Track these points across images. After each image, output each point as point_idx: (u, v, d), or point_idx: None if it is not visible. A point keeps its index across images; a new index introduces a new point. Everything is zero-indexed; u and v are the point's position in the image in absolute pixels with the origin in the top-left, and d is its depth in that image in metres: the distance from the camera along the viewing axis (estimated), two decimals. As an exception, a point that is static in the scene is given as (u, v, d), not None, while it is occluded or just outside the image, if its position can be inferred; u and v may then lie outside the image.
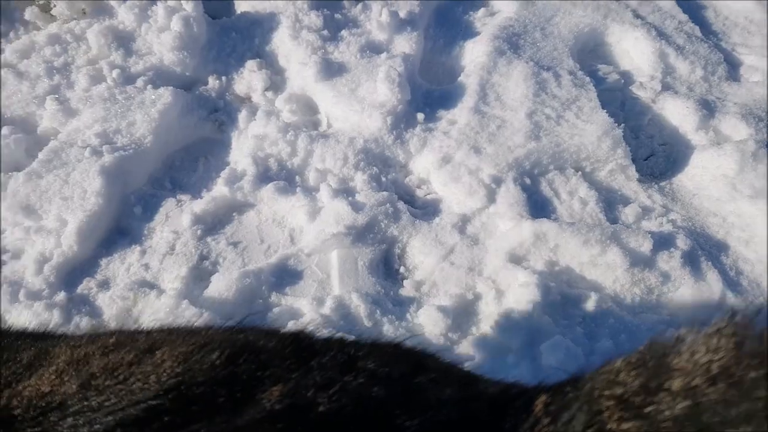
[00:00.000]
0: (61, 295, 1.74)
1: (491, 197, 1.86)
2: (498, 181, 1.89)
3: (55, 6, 2.44)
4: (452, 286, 1.69)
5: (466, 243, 1.77)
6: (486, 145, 1.97)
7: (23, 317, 1.68)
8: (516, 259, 1.71)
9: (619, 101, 2.34)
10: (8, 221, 1.92)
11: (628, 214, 1.95)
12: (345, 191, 1.91)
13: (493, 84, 2.18)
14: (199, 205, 1.95)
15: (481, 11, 2.63)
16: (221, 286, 1.72)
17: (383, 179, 1.97)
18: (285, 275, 1.77)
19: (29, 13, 2.44)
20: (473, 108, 2.09)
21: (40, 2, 2.46)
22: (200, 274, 1.81)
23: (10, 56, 2.35)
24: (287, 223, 1.91)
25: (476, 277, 1.70)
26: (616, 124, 2.07)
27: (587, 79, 2.25)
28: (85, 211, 1.88)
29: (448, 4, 2.69)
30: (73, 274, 1.81)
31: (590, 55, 2.46)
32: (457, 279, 1.70)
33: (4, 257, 1.85)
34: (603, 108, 2.13)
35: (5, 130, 2.11)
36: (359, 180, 1.95)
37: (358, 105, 2.12)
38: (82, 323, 1.67)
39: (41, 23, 2.46)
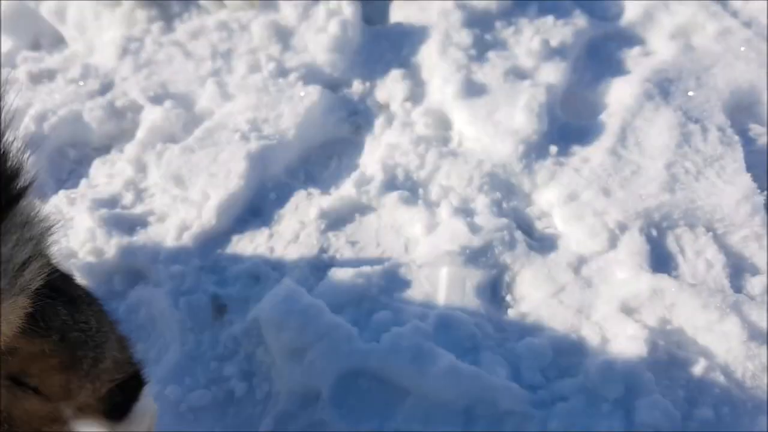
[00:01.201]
0: (194, 261, 1.92)
1: (613, 243, 1.83)
2: (623, 227, 1.86)
3: (228, -3, 2.67)
4: (557, 324, 1.69)
5: (579, 284, 1.76)
6: (617, 189, 1.94)
7: (161, 276, 1.88)
8: (628, 310, 1.68)
9: (766, 166, 2.20)
10: (159, 187, 2.15)
11: (754, 285, 1.85)
12: (465, 211, 1.96)
13: (634, 128, 2.13)
14: (326, 201, 2.07)
15: (636, 50, 2.56)
16: (336, 280, 1.82)
17: (504, 205, 2.00)
18: (394, 282, 1.84)
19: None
20: (610, 149, 2.05)
21: (216, -9, 2.69)
22: (318, 265, 1.93)
23: (181, 36, 2.60)
24: (404, 232, 1.98)
25: (584, 320, 1.68)
26: (759, 191, 1.97)
27: (736, 137, 2.14)
28: (227, 190, 2.06)
29: (602, 38, 2.65)
30: (207, 245, 2.00)
31: (744, 112, 2.33)
32: (563, 318, 1.69)
33: (150, 219, 2.08)
34: (748, 171, 2.02)
35: (168, 103, 2.35)
36: (480, 202, 1.98)
37: (493, 128, 2.15)
38: (210, 290, 1.84)
39: (213, 9, 2.69)
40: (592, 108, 2.35)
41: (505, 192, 2.04)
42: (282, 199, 2.13)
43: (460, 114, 2.27)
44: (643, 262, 1.77)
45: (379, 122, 2.34)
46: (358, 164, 2.26)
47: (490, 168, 2.07)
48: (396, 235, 1.97)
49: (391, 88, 2.44)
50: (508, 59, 2.45)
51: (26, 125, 2.25)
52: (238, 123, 2.26)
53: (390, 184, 2.08)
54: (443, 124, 2.33)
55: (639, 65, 2.49)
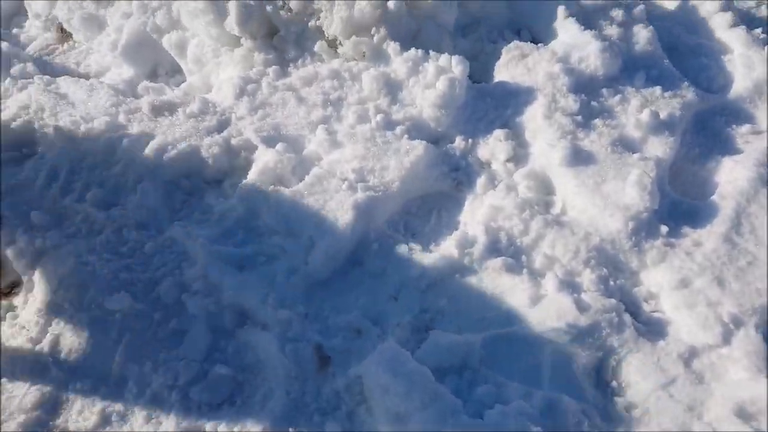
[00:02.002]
0: (300, 308, 1.98)
1: (727, 338, 1.78)
2: (738, 322, 1.80)
3: (341, 45, 2.76)
4: (666, 420, 1.65)
5: (690, 378, 1.72)
6: (732, 279, 1.89)
7: (269, 319, 1.95)
8: (744, 416, 1.62)
9: None
10: (268, 228, 2.23)
11: None
12: (571, 286, 1.94)
13: (749, 214, 2.08)
14: (428, 259, 2.10)
15: (746, 127, 2.51)
16: (437, 344, 1.84)
17: (611, 283, 1.97)
18: (496, 353, 1.84)
19: (319, 46, 2.78)
20: (723, 235, 2.01)
21: (330, 38, 2.79)
22: (418, 325, 1.95)
23: (295, 80, 2.71)
24: (507, 299, 1.98)
25: (695, 420, 1.64)
26: None
27: None
28: (333, 238, 2.12)
29: (709, 111, 2.61)
30: (311, 291, 2.06)
31: None
32: (673, 414, 1.65)
33: (260, 259, 2.15)
34: None
35: (279, 146, 2.44)
36: (587, 278, 1.97)
37: (601, 201, 2.14)
38: (314, 339, 1.89)
39: (327, 57, 2.79)
40: (702, 186, 2.31)
41: (613, 269, 2.02)
42: (384, 251, 2.18)
43: (565, 181, 2.26)
44: (761, 363, 1.71)
45: (480, 181, 2.37)
46: (459, 221, 2.28)
47: (598, 242, 2.05)
48: (498, 303, 1.98)
49: (493, 146, 2.46)
50: (615, 128, 2.44)
51: (147, 155, 2.39)
52: (346, 171, 2.33)
53: (493, 248, 2.09)
54: (546, 188, 2.33)
55: (750, 143, 2.44)
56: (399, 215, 2.34)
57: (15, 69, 2.94)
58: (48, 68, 3.07)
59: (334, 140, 2.45)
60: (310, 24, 2.80)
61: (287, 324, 1.92)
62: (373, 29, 2.72)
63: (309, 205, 2.22)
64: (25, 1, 3.42)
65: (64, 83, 2.79)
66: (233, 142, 2.49)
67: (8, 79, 2.85)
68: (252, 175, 2.37)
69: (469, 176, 2.42)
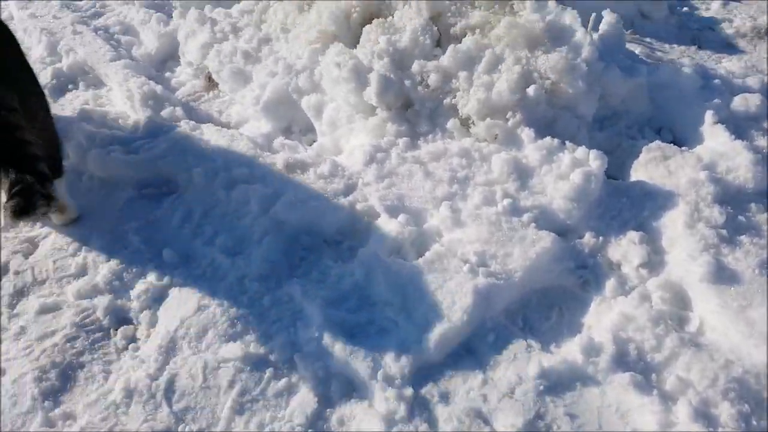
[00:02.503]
0: (408, 390, 1.92)
1: None
2: None
3: (474, 125, 2.77)
4: None
5: None
6: None
7: (376, 397, 1.89)
8: None
9: None
10: (383, 299, 2.19)
11: None
12: (707, 418, 1.77)
13: None
14: (547, 360, 1.99)
15: None
16: (552, 457, 1.72)
17: (753, 423, 1.78)
18: (618, 479, 1.69)
19: (451, 123, 2.81)
20: None
21: (463, 117, 2.81)
22: (531, 430, 1.83)
23: (424, 154, 2.73)
24: (631, 420, 1.83)
25: None
26: None
27: None
28: (449, 321, 2.06)
29: None
30: (421, 373, 1.99)
31: None
32: None
33: (371, 330, 2.12)
34: None
35: (402, 217, 2.45)
36: (726, 411, 1.79)
37: (746, 327, 1.96)
38: (420, 428, 1.82)
39: (458, 135, 2.80)
40: None
41: (755, 406, 1.83)
42: (500, 343, 2.09)
43: (705, 299, 2.10)
44: None
45: (610, 283, 2.25)
46: (583, 324, 2.16)
47: (741, 373, 1.87)
48: (622, 422, 1.83)
49: (626, 249, 2.35)
50: (764, 249, 2.26)
51: (276, 210, 2.46)
52: (467, 253, 2.28)
53: (620, 361, 1.95)
54: (682, 302, 2.17)
55: None
56: (517, 307, 2.25)
57: (165, 111, 3.15)
58: (193, 114, 3.27)
59: (457, 219, 2.42)
60: (445, 101, 2.84)
61: (395, 406, 1.85)
62: (509, 113, 2.72)
63: (427, 282, 2.18)
64: (180, 49, 3.70)
65: (207, 130, 2.96)
66: (358, 206, 2.52)
67: (158, 120, 3.06)
68: (372, 242, 2.37)
69: (596, 276, 2.30)
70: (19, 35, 3.61)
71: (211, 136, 2.92)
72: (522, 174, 2.58)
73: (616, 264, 2.34)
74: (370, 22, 3.13)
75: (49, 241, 2.36)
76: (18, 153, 1.93)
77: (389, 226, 2.41)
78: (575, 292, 2.29)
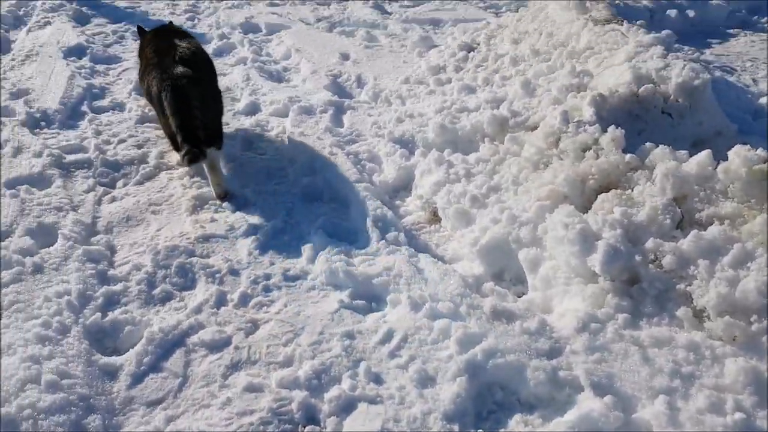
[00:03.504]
0: None
1: None
2: None
3: (709, 320, 2.51)
4: None
5: None
6: None
7: None
8: None
9: None
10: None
11: None
12: None
13: None
14: None
15: None
16: None
17: None
18: None
19: (682, 312, 2.56)
20: None
21: (697, 308, 2.57)
22: None
23: (644, 337, 2.50)
24: None
25: None
26: None
27: None
28: None
29: None
30: None
31: None
32: None
33: None
34: None
35: (608, 398, 2.23)
36: None
37: None
38: None
39: (687, 326, 2.54)
40: None
41: None
42: None
43: None
44: None
45: None
46: None
47: None
48: None
49: None
50: None
51: (475, 353, 2.41)
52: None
53: None
54: None
55: None
56: None
57: (390, 234, 3.36)
58: (413, 242, 3.44)
59: (674, 419, 2.15)
60: (678, 286, 2.64)
61: None
62: (754, 316, 2.43)
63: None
64: (414, 182, 4.00)
65: (423, 260, 3.09)
66: (560, 373, 2.38)
67: (383, 241, 3.28)
68: (569, 416, 2.20)
69: None
70: (287, 149, 4.22)
71: (426, 266, 3.04)
72: (760, 388, 2.24)
73: None
74: (606, 191, 3.11)
75: (268, 327, 2.57)
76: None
77: (593, 404, 2.22)
78: None
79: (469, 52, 5.67)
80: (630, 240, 2.79)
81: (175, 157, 3.99)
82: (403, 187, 4.08)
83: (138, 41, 4.36)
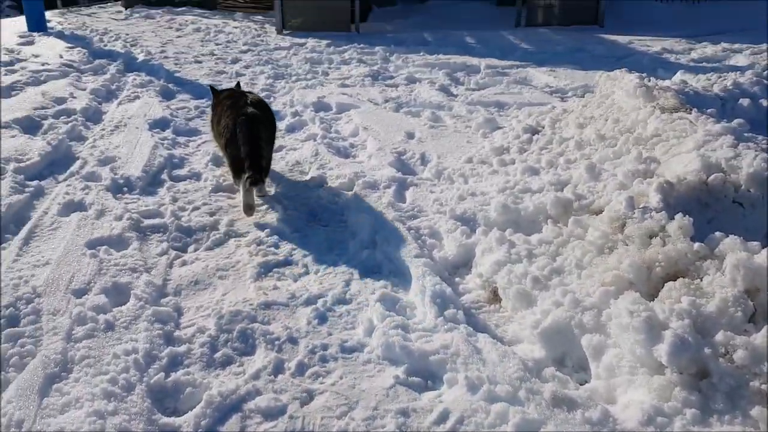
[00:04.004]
0: None
1: None
2: None
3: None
4: None
5: None
6: None
7: None
8: None
9: None
10: None
11: None
12: None
13: None
14: None
15: None
16: None
17: None
18: None
19: (757, 412, 2.41)
20: None
21: (772, 408, 2.42)
22: None
23: (714, 436, 2.38)
24: None
25: None
26: None
27: None
28: None
29: None
30: None
31: None
32: None
33: None
34: None
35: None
36: None
37: None
38: None
39: (763, 426, 2.40)
40: None
41: None
42: None
43: None
44: None
45: None
46: None
47: None
48: None
49: None
50: None
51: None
52: None
53: None
54: None
55: None
56: None
57: (449, 312, 3.35)
58: (472, 321, 3.41)
59: None
60: (751, 384, 2.50)
61: None
62: (838, 422, 2.27)
63: None
64: (475, 260, 4.00)
65: (482, 340, 3.05)
66: (624, 470, 2.26)
67: (441, 318, 3.27)
68: None
69: None
70: (350, 221, 4.34)
71: (484, 346, 3.00)
72: None
73: None
74: (673, 280, 3.03)
75: (323, 398, 2.59)
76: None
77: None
78: None
79: (533, 135, 5.76)
80: (699, 331, 2.69)
81: (243, 222, 4.19)
82: (463, 264, 4.09)
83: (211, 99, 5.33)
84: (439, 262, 4.00)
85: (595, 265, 3.40)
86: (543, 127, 5.84)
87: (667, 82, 5.90)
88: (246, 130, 4.25)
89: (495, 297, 3.69)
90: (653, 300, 2.95)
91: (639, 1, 14.39)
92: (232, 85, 5.70)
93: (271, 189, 4.87)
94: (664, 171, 3.94)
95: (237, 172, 4.37)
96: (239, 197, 4.43)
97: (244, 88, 7.91)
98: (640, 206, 3.50)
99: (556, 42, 11.31)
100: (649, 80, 5.71)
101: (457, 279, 3.94)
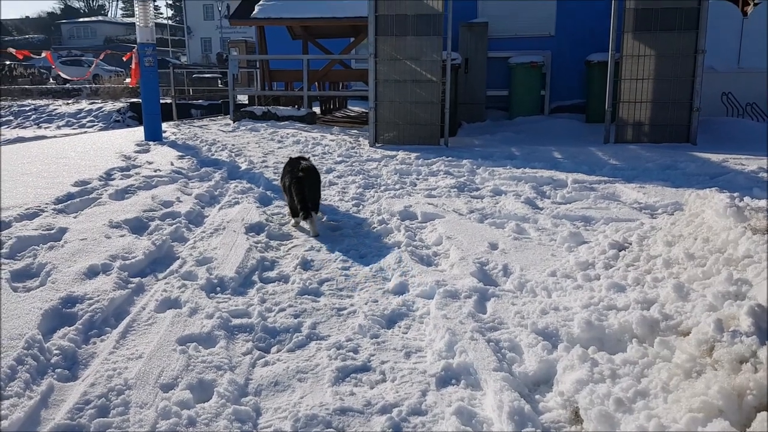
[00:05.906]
0: None
1: None
2: None
3: None
4: None
5: None
6: None
7: None
8: None
9: None
10: None
11: None
12: None
13: None
14: None
15: None
16: None
17: None
18: None
19: None
20: None
21: None
22: None
23: None
24: None
25: None
26: None
27: None
28: None
29: None
30: None
31: None
32: None
33: None
34: None
35: None
36: None
37: None
38: None
39: None
40: None
41: None
42: None
43: None
44: None
45: None
46: None
47: None
48: None
49: None
50: None
51: None
52: None
53: None
54: None
55: None
56: None
57: (526, 430, 3.25)
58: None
59: None
60: None
61: None
62: None
63: None
64: (556, 378, 3.88)
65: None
66: None
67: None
68: None
69: None
70: (429, 330, 4.37)
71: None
72: None
73: None
74: (767, 410, 2.82)
75: None
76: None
77: None
78: None
79: (620, 251, 5.67)
80: (802, 471, 2.46)
81: (325, 325, 4.31)
82: (543, 381, 3.97)
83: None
84: (518, 377, 3.91)
85: (682, 389, 3.23)
86: (630, 244, 5.74)
87: (761, 203, 5.71)
88: (297, 187, 6.54)
89: (576, 417, 3.54)
90: (745, 431, 2.75)
91: (733, 119, 14.16)
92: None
93: (353, 295, 5.03)
94: (756, 294, 3.75)
95: (292, 214, 6.88)
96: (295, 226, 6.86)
97: (335, 195, 8.78)
98: (730, 329, 3.33)
99: (646, 158, 11.21)
100: (741, 200, 5.55)
101: (537, 396, 3.82)
